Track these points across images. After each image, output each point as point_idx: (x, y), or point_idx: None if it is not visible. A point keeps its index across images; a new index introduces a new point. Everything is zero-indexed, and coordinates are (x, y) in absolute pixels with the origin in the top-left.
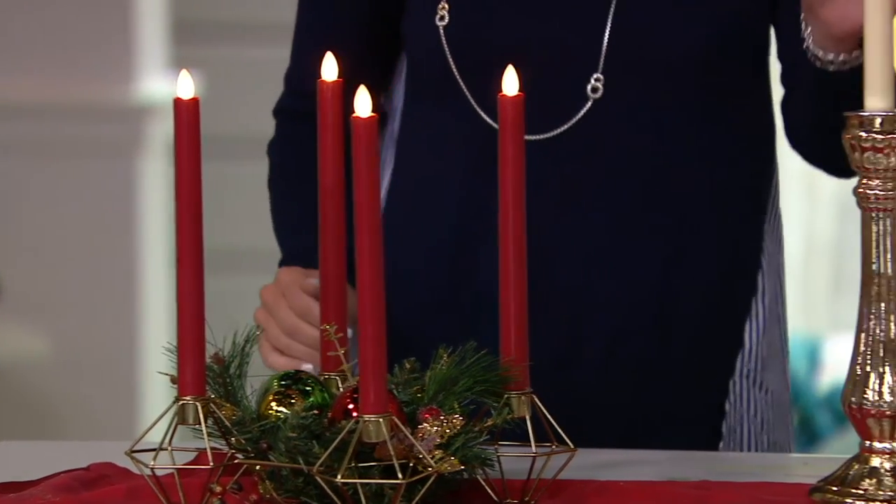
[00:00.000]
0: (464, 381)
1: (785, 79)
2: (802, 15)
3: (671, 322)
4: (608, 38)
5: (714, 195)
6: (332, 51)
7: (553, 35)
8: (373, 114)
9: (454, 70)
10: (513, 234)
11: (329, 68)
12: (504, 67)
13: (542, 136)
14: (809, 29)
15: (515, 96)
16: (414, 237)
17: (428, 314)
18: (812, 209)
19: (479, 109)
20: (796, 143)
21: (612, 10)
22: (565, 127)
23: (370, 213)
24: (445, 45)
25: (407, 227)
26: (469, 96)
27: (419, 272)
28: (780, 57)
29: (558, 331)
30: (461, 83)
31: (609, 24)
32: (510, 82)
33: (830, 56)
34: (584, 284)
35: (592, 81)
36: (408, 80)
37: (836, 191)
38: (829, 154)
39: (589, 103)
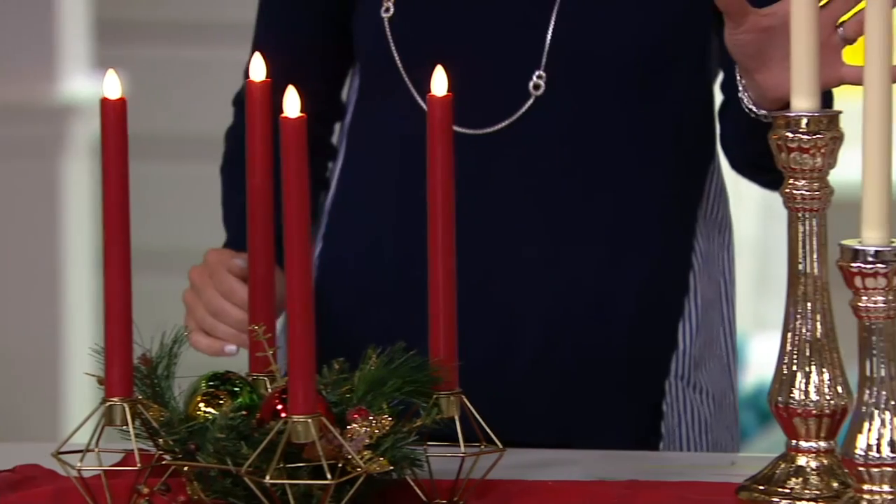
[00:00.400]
0: (393, 381)
1: (725, 88)
2: (738, 72)
3: (605, 323)
4: (551, 35)
5: (649, 195)
6: (289, 45)
7: (496, 31)
8: (301, 114)
9: (398, 63)
10: (441, 233)
11: (257, 69)
12: (447, 61)
13: (483, 131)
14: (744, 83)
15: (444, 96)
16: (357, 230)
17: (367, 307)
18: (736, 209)
19: (421, 103)
20: (729, 158)
21: (556, 7)
22: (507, 122)
23: (299, 216)
24: (390, 38)
25: (351, 219)
26: (412, 90)
27: (360, 265)
28: (722, 64)
29: (494, 330)
30: (405, 77)
31: (553, 21)
32: (439, 82)
33: (763, 112)
34: (520, 283)
35: (535, 78)
36: (359, 75)
37: (761, 191)
38: (761, 170)
39: (531, 100)
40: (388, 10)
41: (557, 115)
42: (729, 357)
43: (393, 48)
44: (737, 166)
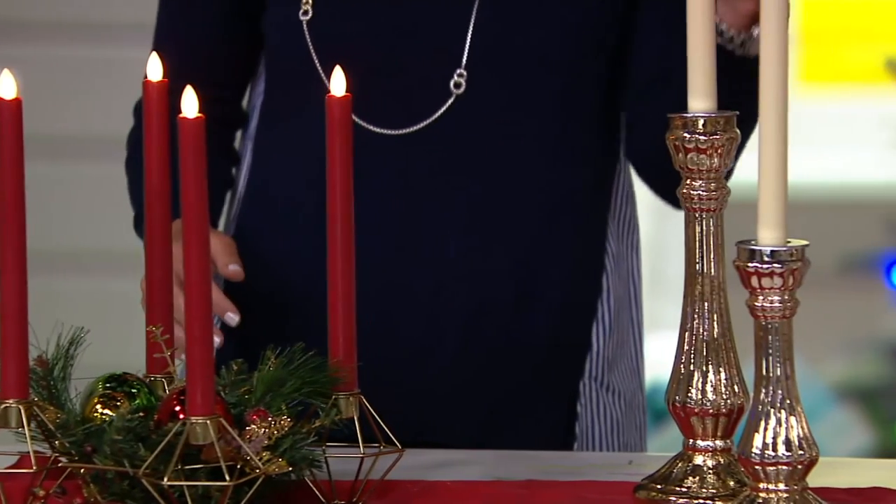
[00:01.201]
0: (292, 382)
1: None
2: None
3: (523, 324)
4: (471, 34)
5: (563, 196)
6: (190, 48)
7: (417, 30)
8: (199, 115)
9: (317, 65)
10: (341, 235)
11: (154, 69)
12: (368, 62)
13: (405, 131)
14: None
15: (343, 97)
16: (270, 234)
17: (285, 308)
18: None
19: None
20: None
21: (475, 5)
22: (428, 121)
23: (198, 216)
24: (308, 40)
25: (263, 224)
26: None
27: (276, 271)
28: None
29: (412, 331)
30: (324, 78)
31: (472, 21)
32: (338, 83)
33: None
34: (440, 281)
35: (455, 77)
36: (267, 78)
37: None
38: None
39: (451, 98)
40: (306, 12)
41: (478, 114)
42: (638, 358)
43: (312, 51)
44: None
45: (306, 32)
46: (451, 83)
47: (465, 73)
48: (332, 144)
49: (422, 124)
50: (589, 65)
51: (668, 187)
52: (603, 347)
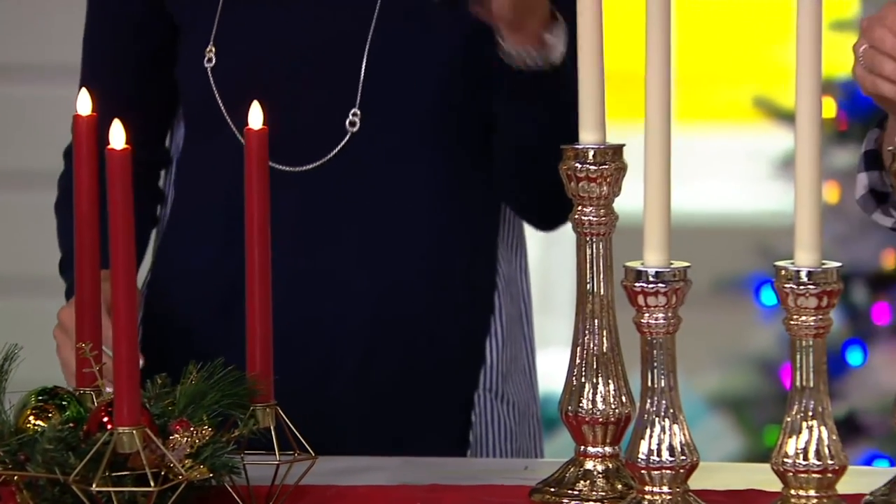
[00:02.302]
0: (212, 394)
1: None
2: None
3: (420, 342)
4: (363, 76)
5: (454, 223)
6: (111, 96)
7: (313, 74)
8: (126, 146)
9: (222, 109)
10: (258, 257)
11: (83, 104)
12: (268, 104)
13: (303, 168)
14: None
15: (260, 129)
16: (188, 263)
17: (195, 334)
18: None
19: (244, 141)
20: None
21: (367, 48)
22: (327, 158)
23: (125, 244)
24: (213, 86)
25: (180, 253)
26: (236, 133)
27: (190, 296)
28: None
29: (318, 353)
30: (229, 121)
31: (364, 62)
32: (255, 116)
33: (515, 52)
34: (341, 307)
35: (350, 116)
36: (184, 121)
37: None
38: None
39: (347, 137)
40: (210, 60)
41: (373, 150)
42: (531, 371)
43: (217, 95)
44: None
45: (211, 79)
46: (347, 122)
47: (359, 112)
48: (250, 173)
49: (320, 161)
50: (476, 100)
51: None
52: (497, 361)
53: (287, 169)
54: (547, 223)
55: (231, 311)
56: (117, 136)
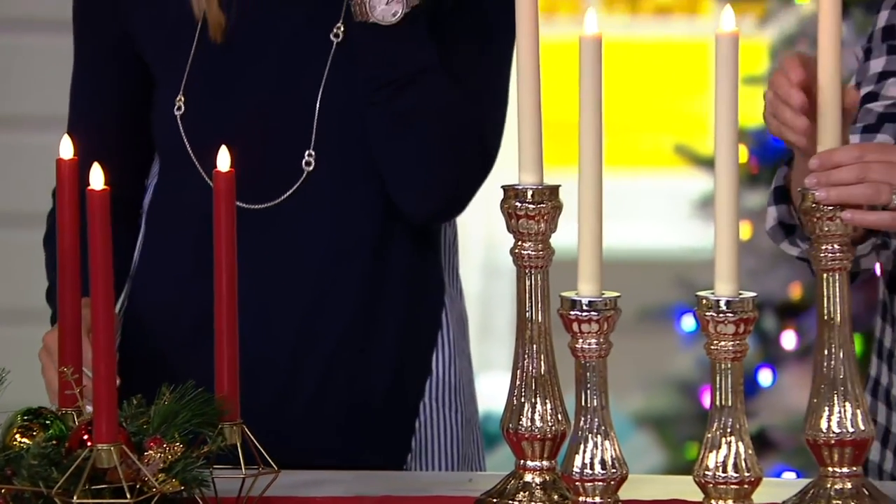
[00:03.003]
0: (184, 414)
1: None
2: None
3: (372, 360)
4: (317, 120)
5: (400, 251)
6: (96, 141)
7: (273, 118)
8: (105, 187)
9: (190, 153)
10: (226, 287)
11: (65, 149)
12: (233, 147)
13: (263, 206)
14: None
15: (227, 171)
16: (161, 296)
17: (168, 359)
18: (462, 266)
19: (212, 185)
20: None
21: (320, 94)
22: (284, 197)
23: (103, 275)
24: (182, 132)
25: (156, 288)
26: (204, 175)
27: (162, 325)
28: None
29: (279, 375)
30: (197, 165)
31: (318, 107)
32: (223, 160)
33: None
34: (297, 337)
35: (306, 156)
36: (159, 162)
37: (485, 249)
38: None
39: (303, 175)
40: (179, 108)
41: (326, 189)
42: (471, 384)
43: (185, 141)
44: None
45: (181, 126)
46: (303, 162)
47: (313, 153)
48: (219, 211)
49: (279, 199)
50: None
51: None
52: (443, 373)
53: (249, 207)
54: (413, 209)
55: (200, 339)
56: (97, 178)
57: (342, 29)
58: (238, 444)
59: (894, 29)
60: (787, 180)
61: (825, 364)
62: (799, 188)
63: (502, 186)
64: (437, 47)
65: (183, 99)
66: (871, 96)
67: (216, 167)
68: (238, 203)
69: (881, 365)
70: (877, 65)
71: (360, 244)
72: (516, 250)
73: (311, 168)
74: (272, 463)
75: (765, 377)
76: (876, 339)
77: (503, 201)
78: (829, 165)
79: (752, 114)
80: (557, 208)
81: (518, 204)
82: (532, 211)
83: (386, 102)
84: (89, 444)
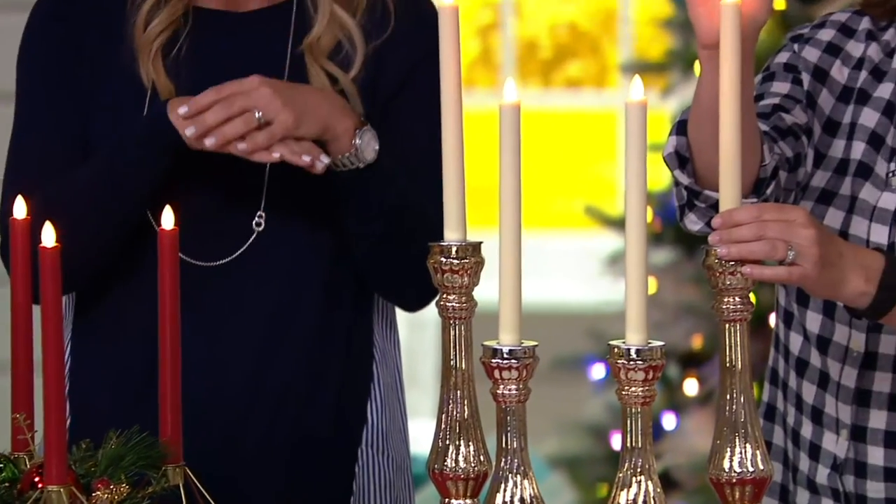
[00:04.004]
0: (129, 457)
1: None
2: None
3: (311, 410)
4: (267, 183)
5: (341, 306)
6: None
7: (222, 182)
8: (56, 244)
9: (150, 217)
10: (170, 341)
11: (19, 209)
12: (189, 209)
13: (215, 263)
14: None
15: (172, 230)
16: (104, 362)
17: (118, 413)
18: None
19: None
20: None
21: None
22: (235, 255)
23: (54, 327)
24: None
25: (101, 352)
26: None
27: (110, 383)
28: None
29: (228, 420)
30: (154, 225)
31: (267, 170)
32: (167, 219)
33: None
34: (242, 388)
35: (257, 217)
36: None
37: None
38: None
39: (254, 235)
40: None
41: (275, 248)
42: (405, 431)
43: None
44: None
45: None
46: (254, 223)
47: (263, 214)
48: (163, 265)
49: (231, 257)
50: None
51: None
52: (377, 421)
53: (201, 264)
54: (408, 306)
55: (149, 392)
56: (48, 236)
57: None
58: (181, 486)
59: (796, 67)
60: (690, 115)
61: (727, 408)
62: (703, 245)
63: (430, 244)
64: (392, 138)
65: None
66: (778, 107)
67: (174, 227)
68: (191, 260)
69: (775, 391)
70: (781, 87)
71: (306, 300)
72: (441, 302)
73: (261, 228)
74: (212, 502)
75: (669, 422)
76: (769, 368)
77: (430, 257)
78: (730, 224)
79: (657, 178)
80: (480, 263)
81: (443, 259)
82: (456, 266)
83: (374, 234)
84: (40, 485)
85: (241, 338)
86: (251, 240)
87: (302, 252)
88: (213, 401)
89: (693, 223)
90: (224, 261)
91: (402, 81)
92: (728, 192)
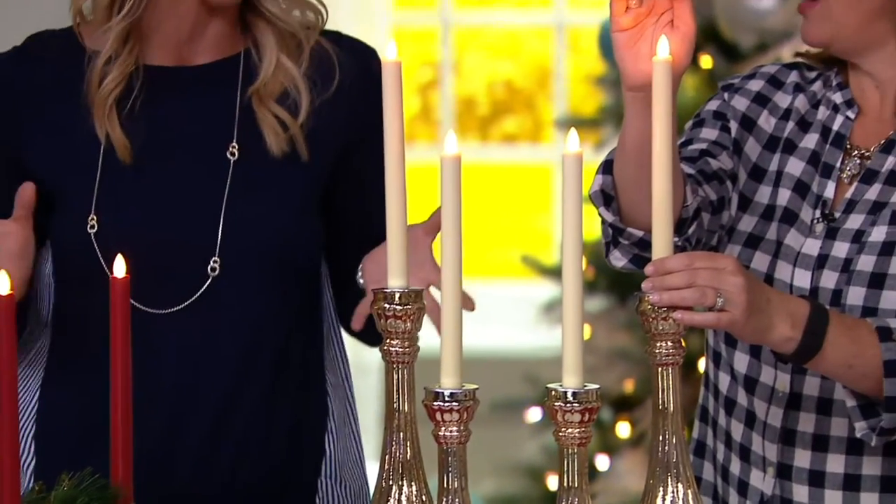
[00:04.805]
0: (81, 498)
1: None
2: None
3: (273, 445)
4: (221, 230)
5: (294, 346)
6: None
7: (178, 231)
8: (10, 292)
9: (104, 267)
10: (121, 386)
11: None
12: (145, 258)
13: (171, 310)
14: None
15: (123, 278)
16: (71, 407)
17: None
18: None
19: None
20: None
21: (222, 208)
22: (190, 301)
23: (9, 377)
24: (97, 248)
25: (67, 403)
26: None
27: (73, 428)
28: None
29: (192, 458)
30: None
31: (221, 219)
32: (119, 268)
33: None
34: (203, 429)
35: (211, 263)
36: (56, 277)
37: (352, 351)
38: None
39: (208, 281)
40: (93, 226)
41: (230, 294)
42: (361, 460)
43: (99, 256)
44: None
45: (94, 243)
46: (208, 269)
47: (218, 260)
48: (115, 313)
49: (186, 303)
50: (308, 244)
51: None
52: (334, 452)
53: (157, 311)
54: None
55: (103, 440)
56: (2, 283)
57: (237, 148)
58: None
59: (725, 115)
60: (615, 156)
61: (660, 449)
62: (636, 292)
63: (373, 290)
64: (355, 193)
65: (95, 217)
66: (705, 152)
67: (137, 279)
68: (146, 308)
69: (705, 428)
70: (710, 134)
71: (263, 343)
72: (385, 347)
73: (215, 273)
74: None
75: (602, 463)
76: (699, 406)
77: (373, 303)
78: (662, 272)
79: (591, 229)
80: (422, 309)
81: (387, 305)
82: (399, 311)
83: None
84: None
85: (201, 382)
86: (205, 286)
87: (259, 297)
88: (177, 443)
89: (617, 259)
90: (178, 307)
91: (351, 138)
92: (660, 238)
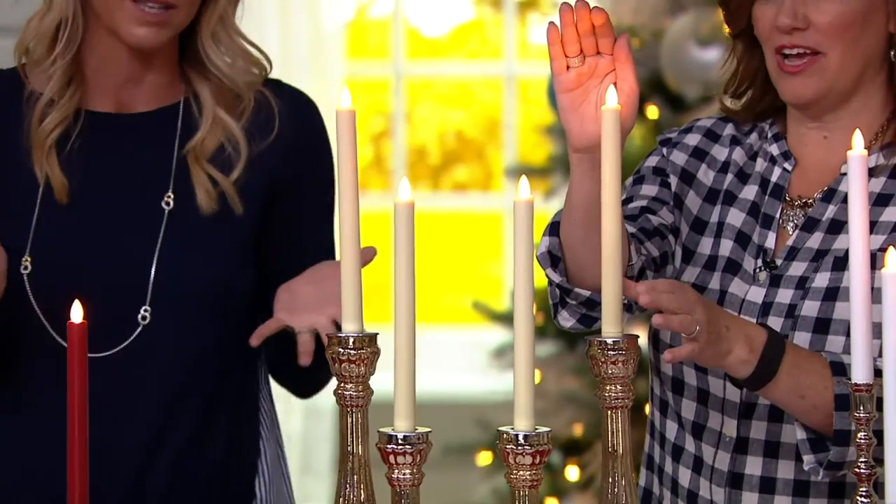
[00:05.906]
0: None
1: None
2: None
3: (203, 488)
4: (153, 279)
5: (228, 388)
6: None
7: (110, 279)
8: None
9: (38, 311)
10: (78, 432)
11: None
12: (73, 302)
13: (104, 354)
14: None
15: (80, 324)
16: (26, 462)
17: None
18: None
19: (57, 337)
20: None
21: (155, 257)
22: (121, 347)
23: None
24: (29, 291)
25: (24, 461)
26: (50, 329)
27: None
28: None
29: (120, 499)
30: (44, 321)
31: (154, 269)
32: (76, 313)
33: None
34: (138, 470)
35: (142, 311)
36: None
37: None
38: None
39: (139, 328)
40: (26, 268)
41: (161, 340)
42: (291, 498)
43: (32, 299)
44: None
45: (27, 285)
46: (139, 316)
47: (149, 308)
48: (72, 360)
49: (117, 348)
50: (241, 289)
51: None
52: (265, 494)
53: (91, 356)
54: (304, 396)
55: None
56: None
57: (172, 198)
58: None
59: (664, 170)
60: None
61: (609, 490)
62: (586, 336)
63: (327, 335)
64: (284, 238)
65: (30, 259)
66: (646, 209)
67: (63, 324)
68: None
69: (651, 476)
70: (650, 190)
71: (195, 386)
72: (339, 391)
73: (146, 321)
74: None
75: None
76: (645, 454)
77: (328, 347)
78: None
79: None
80: (376, 353)
81: (341, 350)
82: (353, 356)
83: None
84: None
85: (132, 424)
86: (136, 333)
87: (190, 343)
88: (105, 482)
89: (566, 320)
90: (111, 352)
91: (283, 187)
92: (609, 284)
